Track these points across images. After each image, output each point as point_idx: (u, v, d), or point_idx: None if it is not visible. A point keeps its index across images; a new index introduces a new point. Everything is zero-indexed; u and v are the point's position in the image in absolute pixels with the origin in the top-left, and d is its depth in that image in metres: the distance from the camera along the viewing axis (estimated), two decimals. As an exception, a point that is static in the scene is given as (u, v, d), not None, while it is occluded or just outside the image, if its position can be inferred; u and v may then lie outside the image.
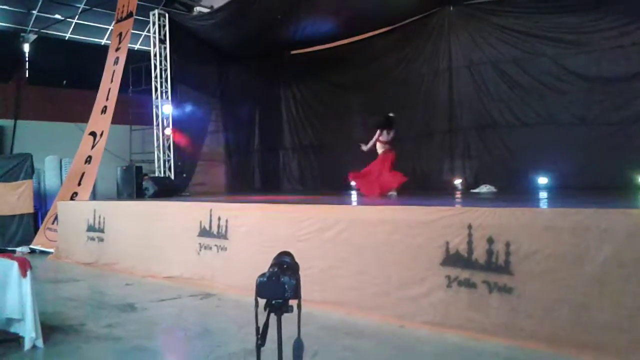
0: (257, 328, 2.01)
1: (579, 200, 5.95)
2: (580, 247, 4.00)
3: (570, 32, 9.06)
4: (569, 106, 9.05)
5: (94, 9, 13.67)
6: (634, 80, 8.40)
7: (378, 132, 8.56)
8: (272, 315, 2.03)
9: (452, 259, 4.68)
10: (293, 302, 2.04)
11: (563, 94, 9.08)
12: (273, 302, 2.01)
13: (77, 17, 14.11)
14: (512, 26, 9.68)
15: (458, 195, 9.14)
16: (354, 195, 9.57)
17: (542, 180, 9.00)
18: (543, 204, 5.87)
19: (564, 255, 4.06)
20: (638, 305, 3.74)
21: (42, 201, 12.83)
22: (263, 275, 2.03)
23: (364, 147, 8.65)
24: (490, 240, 4.44)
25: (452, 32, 10.54)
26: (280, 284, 2.00)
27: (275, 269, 2.05)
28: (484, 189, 9.45)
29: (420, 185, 10.69)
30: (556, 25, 9.20)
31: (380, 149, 8.61)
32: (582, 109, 8.91)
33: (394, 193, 8.29)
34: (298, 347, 2.05)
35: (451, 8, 10.50)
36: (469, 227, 4.58)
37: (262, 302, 2.03)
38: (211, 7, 12.93)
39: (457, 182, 10.28)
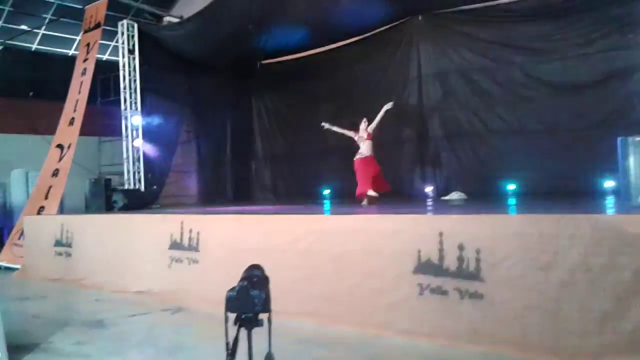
0: (227, 343, 1.99)
1: (546, 206, 6.06)
2: (548, 253, 4.07)
3: (537, 40, 9.28)
4: (535, 113, 9.26)
5: (61, 19, 13.45)
6: (598, 87, 8.64)
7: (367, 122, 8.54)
8: (243, 329, 2.01)
9: (424, 267, 4.71)
10: (263, 316, 2.02)
11: (530, 102, 9.29)
12: (243, 316, 1.99)
13: (43, 27, 13.87)
14: (480, 35, 9.87)
15: (429, 202, 9.22)
16: (326, 204, 9.56)
17: (511, 186, 9.13)
18: (512, 211, 5.96)
19: (533, 261, 4.12)
20: (606, 310, 3.81)
21: (8, 216, 12.49)
22: (233, 289, 2.01)
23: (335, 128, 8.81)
24: (461, 247, 4.48)
25: (421, 41, 10.68)
26: (250, 298, 1.99)
27: (245, 283, 2.03)
28: (455, 196, 9.55)
29: (391, 193, 10.75)
30: (523, 33, 9.41)
31: (370, 150, 8.52)
32: (549, 116, 9.12)
33: (365, 203, 8.30)
34: (269, 361, 2.04)
35: (419, 17, 10.65)
36: (440, 234, 4.61)
37: (232, 316, 2.01)
38: (181, 17, 12.84)
39: (429, 189, 10.37)
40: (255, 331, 2.03)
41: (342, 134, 8.86)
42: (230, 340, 2.00)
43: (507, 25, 9.59)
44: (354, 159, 8.57)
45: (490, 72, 9.82)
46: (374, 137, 8.55)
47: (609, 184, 7.79)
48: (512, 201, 7.94)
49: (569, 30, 9.00)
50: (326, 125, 9.04)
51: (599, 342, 3.80)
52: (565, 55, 8.98)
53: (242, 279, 2.08)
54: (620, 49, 8.42)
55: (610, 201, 6.59)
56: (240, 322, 2.00)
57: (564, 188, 8.25)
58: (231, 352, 2.00)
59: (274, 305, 2.04)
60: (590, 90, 8.71)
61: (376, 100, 11.20)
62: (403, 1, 10.17)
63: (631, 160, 4.93)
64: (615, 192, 7.05)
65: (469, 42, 10.04)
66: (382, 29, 11.26)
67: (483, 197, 8.96)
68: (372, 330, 4.89)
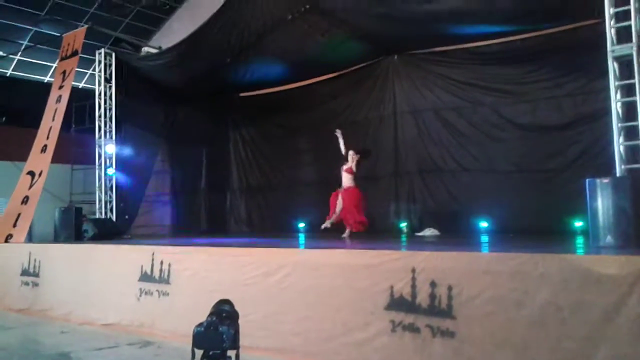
0: (193, 381, 1.95)
1: (516, 244, 6.14)
2: (518, 291, 4.10)
3: (508, 83, 9.53)
4: (506, 153, 9.45)
5: (38, 46, 13.39)
6: (567, 129, 8.87)
7: (356, 157, 8.81)
8: (210, 366, 1.98)
9: (396, 303, 4.70)
10: (232, 353, 2.00)
11: (500, 142, 9.49)
12: (210, 352, 1.96)
13: (19, 53, 13.78)
14: (453, 75, 10.10)
15: (403, 238, 9.26)
16: (300, 237, 9.53)
17: (483, 224, 9.25)
18: (483, 248, 6.02)
19: (504, 299, 4.15)
20: (576, 349, 3.83)
21: (-26, 243, 12.14)
22: (200, 324, 1.99)
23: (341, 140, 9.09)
24: (433, 284, 4.50)
25: (397, 79, 10.89)
26: (218, 334, 1.97)
27: (214, 318, 2.01)
28: (428, 232, 9.62)
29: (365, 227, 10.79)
30: (494, 75, 9.66)
31: (350, 181, 8.80)
32: (518, 156, 9.32)
33: (346, 235, 8.42)
34: (236, 399, 2.01)
35: (395, 57, 10.88)
36: (413, 270, 4.63)
37: (199, 352, 1.98)
38: (159, 47, 12.91)
39: (402, 225, 10.42)
40: (224, 367, 2.00)
41: (340, 147, 9.12)
42: (197, 378, 1.97)
43: (479, 67, 9.83)
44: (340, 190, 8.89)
45: (463, 111, 10.02)
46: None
47: (578, 224, 7.93)
48: (483, 238, 8.02)
49: (538, 73, 9.25)
50: (339, 133, 9.22)
51: (568, 381, 3.82)
52: (535, 97, 9.22)
53: (210, 314, 2.05)
54: (589, 93, 8.64)
55: (579, 241, 6.70)
56: (207, 359, 1.97)
57: (535, 227, 8.36)
58: (198, 389, 1.96)
59: (244, 340, 2.02)
60: (560, 132, 8.93)
61: (352, 135, 11.36)
62: (378, 42, 10.38)
63: (599, 202, 5.05)
64: (584, 232, 7.17)
65: (442, 82, 10.25)
66: (358, 66, 11.45)
67: (456, 233, 9.04)
68: (344, 366, 4.84)
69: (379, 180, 11.02)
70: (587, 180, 5.20)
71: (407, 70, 10.76)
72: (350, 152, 8.99)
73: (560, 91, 8.98)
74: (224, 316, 2.03)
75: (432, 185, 10.37)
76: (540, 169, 9.00)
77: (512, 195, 9.06)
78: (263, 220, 13.12)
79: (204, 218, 13.90)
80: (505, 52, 9.45)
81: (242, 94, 13.57)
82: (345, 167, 8.94)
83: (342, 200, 8.79)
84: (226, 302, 2.15)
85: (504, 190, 9.19)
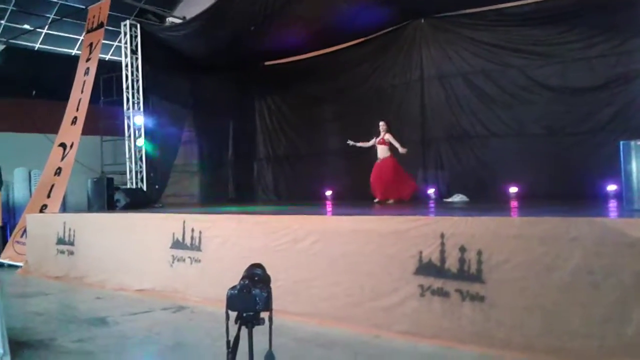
0: (228, 341, 2.00)
1: (547, 209, 6.06)
2: (549, 256, 4.06)
3: (538, 44, 9.28)
4: (536, 117, 9.27)
5: (64, 19, 13.48)
6: (599, 91, 8.64)
7: (385, 127, 9.13)
8: (244, 328, 2.02)
9: (425, 268, 4.71)
10: (264, 315, 2.03)
11: (531, 105, 9.29)
12: (244, 314, 2.00)
13: (46, 27, 13.90)
14: (482, 38, 9.88)
15: (431, 204, 9.23)
16: (328, 205, 9.58)
17: (512, 189, 9.14)
18: (513, 213, 5.96)
19: (534, 264, 4.12)
20: (608, 313, 3.80)
21: (11, 214, 12.52)
22: (234, 287, 2.02)
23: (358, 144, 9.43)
24: (462, 249, 4.48)
25: (424, 44, 10.70)
26: (251, 297, 2.00)
27: (246, 282, 2.04)
28: (457, 198, 9.56)
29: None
30: (524, 37, 9.42)
31: (385, 152, 9.12)
32: (550, 119, 9.12)
33: (391, 200, 8.67)
34: (269, 359, 2.04)
35: (422, 20, 10.67)
36: (442, 236, 4.62)
37: (233, 314, 2.02)
38: (184, 17, 12.87)
39: (430, 191, 10.37)
40: (256, 330, 2.04)
41: (367, 146, 9.41)
42: (231, 339, 2.01)
43: (509, 29, 9.59)
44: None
45: (492, 75, 9.83)
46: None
47: (610, 187, 7.78)
48: (513, 204, 7.94)
49: (570, 34, 9.01)
50: (351, 143, 9.52)
51: (601, 345, 3.79)
52: (566, 58, 8.99)
53: (243, 278, 2.09)
54: (621, 54, 8.42)
55: (612, 205, 6.59)
56: (241, 321, 2.01)
57: (566, 191, 8.24)
58: (232, 350, 2.01)
59: (274, 304, 2.05)
60: (592, 94, 8.71)
61: (379, 103, 11.30)
62: (406, 5, 10.18)
63: (633, 164, 4.92)
64: (617, 196, 7.05)
65: (470, 45, 10.04)
66: (384, 31, 11.27)
67: (485, 199, 8.97)
68: (372, 331, 4.89)
69: (406, 146, 10.92)
70: (620, 142, 5.07)
71: (434, 34, 10.56)
72: (381, 124, 9.16)
73: (593, 52, 8.74)
74: (257, 279, 2.06)
75: (460, 152, 10.27)
76: (572, 132, 8.82)
77: (543, 160, 8.93)
78: (290, 188, 13.20)
79: (231, 187, 14.07)
80: (536, 13, 9.19)
81: (266, 63, 13.53)
82: (378, 139, 9.13)
83: (380, 173, 9.04)
84: (258, 266, 2.18)
85: (534, 154, 9.06)
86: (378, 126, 9.23)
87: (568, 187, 8.38)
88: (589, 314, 3.87)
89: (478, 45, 9.93)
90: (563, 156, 8.79)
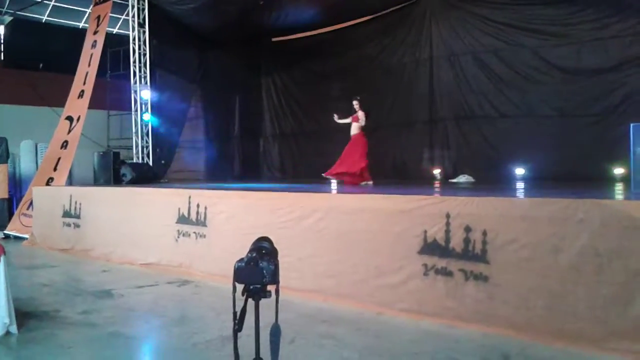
0: (235, 313, 2.00)
1: (555, 190, 6.03)
2: (556, 237, 4.05)
3: (551, 24, 9.15)
4: (547, 98, 9.18)
5: (72, -10, 13.40)
6: (612, 72, 8.54)
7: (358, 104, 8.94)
8: (250, 300, 2.02)
9: (429, 248, 4.71)
10: (271, 288, 2.03)
11: (542, 86, 9.20)
12: (251, 287, 2.00)
13: (53, -1, 13.83)
14: (493, 17, 9.75)
15: (437, 184, 9.21)
16: (333, 183, 9.57)
17: (520, 170, 9.10)
18: (520, 194, 5.94)
19: (541, 245, 4.11)
20: (613, 295, 3.80)
21: (17, 186, 12.59)
22: (241, 260, 2.02)
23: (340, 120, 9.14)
24: (467, 229, 4.47)
25: (434, 21, 10.58)
26: (258, 269, 1.99)
27: (254, 254, 2.03)
28: (462, 178, 9.55)
29: (399, 174, 10.77)
30: (537, 16, 9.29)
31: (356, 129, 8.94)
32: (560, 100, 9.04)
33: (369, 182, 8.43)
34: (275, 332, 2.05)
35: (433, -2, 10.54)
36: (447, 216, 4.60)
37: (239, 287, 2.02)
38: (192, -10, 12.75)
39: (436, 171, 10.34)
40: (261, 303, 2.04)
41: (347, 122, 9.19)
42: (238, 311, 2.01)
43: (521, 8, 9.46)
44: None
45: (503, 55, 9.71)
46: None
47: (618, 170, 7.73)
48: (520, 185, 7.91)
49: (584, 14, 8.88)
50: (336, 118, 9.38)
51: (605, 327, 3.80)
52: (579, 39, 8.87)
53: (250, 250, 2.08)
54: (636, 35, 8.29)
55: (620, 187, 6.55)
56: (248, 293, 2.01)
57: (573, 174, 8.20)
58: (238, 322, 2.01)
59: (279, 281, 2.05)
60: (604, 75, 8.62)
61: (386, 81, 11.22)
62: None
63: (643, 147, 4.89)
64: (625, 179, 7.00)
65: (481, 24, 9.92)
66: (394, 8, 11.12)
67: (491, 180, 8.94)
68: (376, 308, 4.92)
69: (413, 125, 10.91)
70: (632, 124, 5.02)
71: (445, 12, 10.43)
72: (354, 102, 9.05)
73: (607, 32, 8.62)
74: (264, 252, 2.05)
75: (467, 132, 10.21)
76: (583, 114, 8.74)
77: (552, 141, 8.86)
78: (296, 166, 13.20)
79: (237, 164, 14.08)
80: (549, -8, 9.05)
81: (274, 39, 13.42)
82: (352, 116, 9.05)
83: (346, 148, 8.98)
84: (265, 239, 2.17)
85: (544, 136, 8.99)
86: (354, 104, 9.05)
87: (576, 169, 8.33)
88: (594, 296, 3.87)
89: (489, 24, 9.80)
90: (572, 138, 8.72)
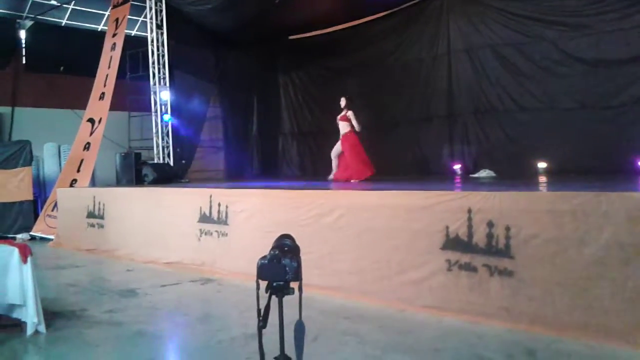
0: (259, 310, 2.01)
1: (578, 184, 5.95)
2: (580, 231, 4.00)
3: (571, 15, 8.99)
4: (568, 90, 9.02)
5: (91, -6, 13.55)
6: (634, 63, 8.36)
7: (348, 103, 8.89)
8: (273, 297, 2.03)
9: (452, 243, 4.68)
10: (294, 285, 2.04)
11: (562, 78, 9.04)
12: (274, 284, 2.01)
13: (73, 2, 13.97)
14: (512, 9, 9.60)
15: (457, 180, 9.14)
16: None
17: (541, 164, 8.99)
18: (543, 188, 5.87)
19: (565, 239, 4.06)
20: (638, 288, 3.75)
21: (42, 188, 12.80)
22: (264, 257, 2.03)
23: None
24: (490, 224, 4.44)
25: (451, 15, 10.46)
26: (281, 266, 2.01)
27: (276, 252, 2.05)
28: (483, 173, 9.45)
29: (419, 169, 10.70)
30: (556, 8, 9.12)
31: (345, 128, 8.88)
32: (582, 93, 8.88)
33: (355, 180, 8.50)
34: (299, 329, 2.06)
35: (450, -9, 10.44)
36: (469, 211, 4.58)
37: (263, 284, 2.03)
38: (209, -9, 12.82)
39: (456, 166, 10.26)
40: (284, 300, 2.05)
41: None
42: (261, 308, 2.03)
43: (540, 0, 9.31)
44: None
45: (522, 47, 9.56)
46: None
47: (644, 162, 7.61)
48: (542, 179, 7.81)
49: (603, 4, 8.69)
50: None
51: (631, 321, 3.75)
52: (600, 30, 8.69)
53: (273, 248, 2.10)
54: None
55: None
56: (271, 290, 2.03)
57: (597, 166, 8.07)
58: (262, 318, 2.03)
59: (300, 278, 2.05)
60: (626, 67, 8.44)
61: (405, 77, 11.16)
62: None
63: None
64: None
65: (500, 17, 9.77)
66: (411, 3, 11.05)
67: (512, 175, 8.83)
68: (398, 305, 4.91)
69: (432, 121, 10.82)
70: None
71: (462, 6, 10.30)
72: (342, 100, 8.98)
73: (628, 23, 8.42)
74: (286, 250, 2.07)
75: (487, 126, 10.08)
76: (605, 106, 8.56)
77: (573, 134, 8.72)
78: (315, 163, 13.17)
79: (256, 163, 14.14)
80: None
81: (291, 37, 13.41)
82: (339, 115, 8.94)
83: (340, 148, 8.94)
84: (287, 236, 2.18)
85: (565, 129, 8.84)
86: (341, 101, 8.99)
87: (600, 162, 8.19)
88: (620, 290, 3.82)
89: (508, 16, 9.66)
90: (595, 130, 8.55)
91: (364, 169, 8.59)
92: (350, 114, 8.75)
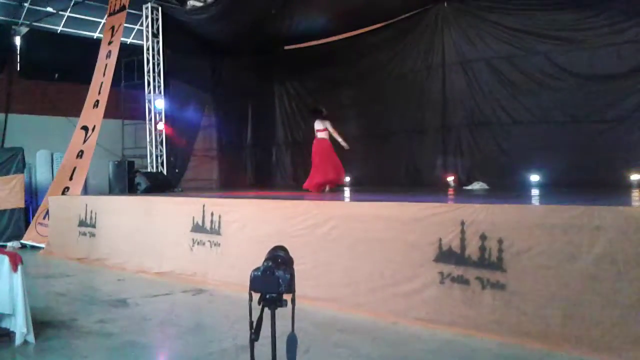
0: (251, 322, 1.99)
1: (571, 197, 5.97)
2: (572, 244, 4.01)
3: (564, 30, 9.05)
4: (561, 104, 9.07)
5: (86, 2, 13.54)
6: (626, 78, 8.42)
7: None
8: (266, 309, 2.02)
9: (445, 256, 4.68)
10: (287, 297, 2.03)
11: (555, 92, 9.09)
12: (267, 296, 2.00)
13: (69, 10, 13.98)
14: (506, 23, 9.66)
15: (451, 192, 9.16)
16: (346, 191, 9.57)
17: (534, 177, 9.02)
18: (535, 201, 5.89)
19: (557, 252, 4.07)
20: (630, 303, 3.75)
21: (33, 196, 12.72)
22: (257, 269, 2.02)
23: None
24: (483, 237, 4.45)
25: (446, 28, 10.52)
26: (274, 278, 1.99)
27: (270, 263, 2.03)
28: (477, 185, 9.48)
29: (412, 181, 10.72)
30: (550, 22, 9.19)
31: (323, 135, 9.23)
32: (574, 106, 8.93)
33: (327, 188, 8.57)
34: (292, 342, 2.04)
35: (445, 4, 10.49)
36: (462, 223, 4.58)
37: (255, 296, 2.02)
38: (205, 1, 12.86)
39: (450, 178, 10.29)
40: (277, 312, 2.04)
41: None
42: (254, 320, 2.01)
43: (534, 13, 9.36)
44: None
45: (516, 61, 9.62)
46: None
47: (635, 176, 7.65)
48: (535, 192, 7.84)
49: (597, 19, 8.76)
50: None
51: (623, 334, 3.75)
52: (593, 44, 8.76)
53: (266, 259, 2.08)
54: (651, 40, 8.21)
55: (636, 194, 6.47)
56: (264, 302, 2.01)
57: (589, 180, 8.10)
58: (255, 331, 2.01)
59: (292, 289, 2.04)
60: (619, 81, 8.50)
61: (399, 88, 11.20)
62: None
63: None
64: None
65: (494, 30, 9.84)
66: (406, 15, 11.12)
67: (505, 188, 8.86)
68: (391, 317, 4.90)
69: (426, 132, 10.85)
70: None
71: (457, 19, 10.36)
72: (321, 114, 9.42)
73: (621, 37, 8.50)
74: (280, 261, 2.05)
75: (480, 139, 10.11)
76: (598, 120, 8.61)
77: (566, 148, 8.75)
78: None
79: (250, 172, 14.15)
80: (562, -3, 8.98)
81: (287, 47, 13.45)
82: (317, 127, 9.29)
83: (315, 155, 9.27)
84: (281, 248, 2.17)
85: (558, 142, 8.87)
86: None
87: (591, 176, 8.21)
88: (612, 304, 3.82)
89: (502, 30, 9.72)
90: (587, 144, 8.60)
91: (336, 174, 8.95)
92: (327, 123, 9.14)
